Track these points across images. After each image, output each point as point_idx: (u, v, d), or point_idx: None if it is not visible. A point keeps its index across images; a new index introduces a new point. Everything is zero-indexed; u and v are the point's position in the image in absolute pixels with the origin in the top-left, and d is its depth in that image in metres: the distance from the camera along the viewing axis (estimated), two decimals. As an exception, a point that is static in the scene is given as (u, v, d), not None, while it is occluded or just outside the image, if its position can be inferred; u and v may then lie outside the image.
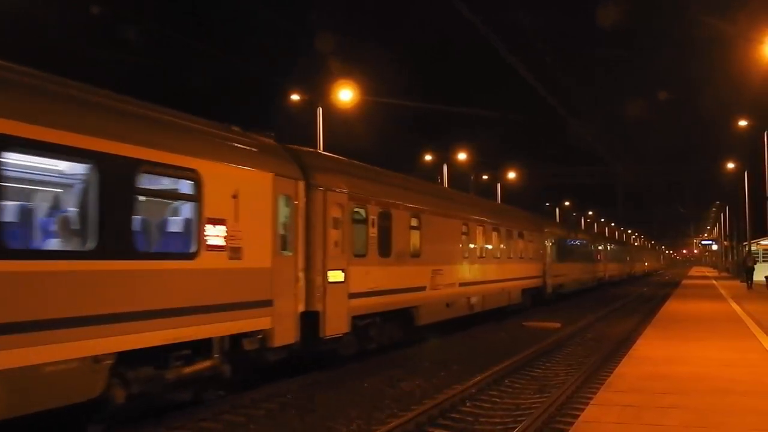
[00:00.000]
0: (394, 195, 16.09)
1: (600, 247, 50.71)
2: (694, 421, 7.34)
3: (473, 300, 20.50)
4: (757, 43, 25.34)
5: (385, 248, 14.99)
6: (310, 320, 12.03)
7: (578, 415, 8.30)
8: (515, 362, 14.54)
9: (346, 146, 23.94)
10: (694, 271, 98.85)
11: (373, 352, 15.03)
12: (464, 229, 20.35)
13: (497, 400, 11.43)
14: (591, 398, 9.49)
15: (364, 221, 14.26)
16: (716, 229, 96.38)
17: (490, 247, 22.76)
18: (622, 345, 16.80)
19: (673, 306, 24.22)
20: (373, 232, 14.50)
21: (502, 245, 24.04)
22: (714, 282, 47.49)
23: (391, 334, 15.78)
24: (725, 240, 77.19)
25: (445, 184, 40.60)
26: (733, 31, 28.45)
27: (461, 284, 19.67)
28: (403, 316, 16.05)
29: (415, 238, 16.72)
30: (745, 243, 49.97)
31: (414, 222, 16.72)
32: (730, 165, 52.58)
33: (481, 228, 22.00)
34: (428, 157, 42.34)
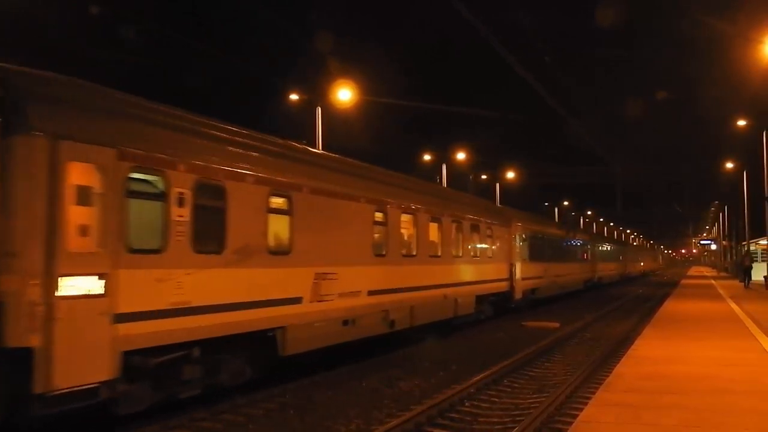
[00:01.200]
0: (232, 158, 10.77)
1: (588, 246, 45.93)
2: (693, 421, 7.35)
3: (393, 314, 15.49)
4: (756, 42, 25.36)
5: (209, 240, 10.08)
6: (18, 364, 7.51)
7: (577, 415, 8.32)
8: (514, 362, 14.54)
9: (345, 146, 23.97)
10: (693, 270, 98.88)
11: (369, 353, 14.96)
12: (378, 216, 15.28)
13: (496, 399, 11.44)
14: (590, 398, 9.50)
15: (162, 196, 9.32)
16: (715, 229, 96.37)
17: (423, 242, 17.52)
18: (621, 345, 16.82)
19: (672, 306, 24.23)
20: (181, 214, 9.49)
21: (444, 240, 18.74)
22: (713, 282, 47.51)
23: (235, 371, 10.99)
24: (724, 240, 77.21)
25: (444, 184, 40.56)
26: (732, 30, 28.46)
27: (372, 293, 14.56)
28: (257, 343, 11.21)
29: (279, 225, 11.79)
30: (744, 243, 49.99)
31: (278, 202, 11.79)
32: (729, 165, 52.61)
33: (409, 217, 16.90)
34: (427, 157, 42.31)
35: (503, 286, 24.41)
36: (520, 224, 27.24)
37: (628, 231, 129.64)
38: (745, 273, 39.26)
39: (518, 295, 25.80)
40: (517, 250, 26.22)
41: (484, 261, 22.35)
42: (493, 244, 23.34)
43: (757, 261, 45.55)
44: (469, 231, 20.89)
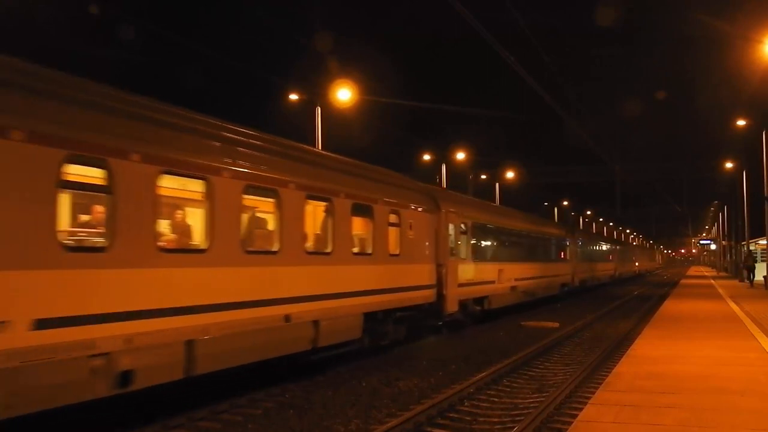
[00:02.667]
0: None
1: (567, 243, 37.67)
2: (692, 421, 7.35)
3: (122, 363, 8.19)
4: (756, 42, 25.37)
5: None
6: None
7: (577, 415, 8.32)
8: (513, 362, 14.54)
9: (343, 146, 23.95)
10: (693, 270, 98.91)
11: (370, 351, 14.96)
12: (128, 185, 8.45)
13: (495, 399, 11.44)
14: (589, 398, 9.49)
15: None
16: (715, 229, 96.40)
17: (228, 228, 10.08)
18: (621, 344, 16.84)
19: (671, 305, 24.23)
20: None
21: (285, 227, 11.39)
22: (712, 281, 47.53)
23: None
24: (723, 240, 77.24)
25: (444, 184, 40.53)
26: (732, 30, 28.47)
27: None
28: None
29: None
30: (743, 242, 50.02)
31: None
32: (729, 164, 52.62)
33: (204, 187, 9.70)
34: (426, 157, 42.31)
35: (426, 295, 16.95)
36: (455, 211, 19.68)
37: (628, 231, 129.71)
38: (749, 272, 39.80)
39: (452, 308, 18.51)
40: (453, 247, 19.13)
41: (383, 261, 14.71)
42: (403, 236, 15.73)
43: (756, 261, 45.75)
44: (348, 215, 13.41)
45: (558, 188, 73.22)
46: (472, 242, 21.29)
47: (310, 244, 12.45)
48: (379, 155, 34.28)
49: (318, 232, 13.05)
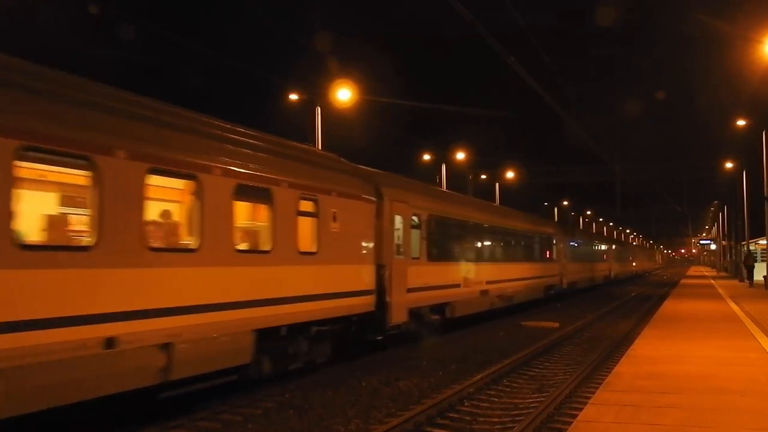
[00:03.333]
0: None
1: (554, 241, 33.91)
2: (691, 420, 7.35)
3: None
4: (756, 42, 25.36)
5: None
6: None
7: (576, 415, 8.32)
8: (513, 362, 14.54)
9: (343, 146, 23.95)
10: (693, 270, 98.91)
11: (369, 353, 14.96)
12: None
13: (495, 399, 11.44)
14: (589, 398, 9.49)
15: None
16: (714, 229, 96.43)
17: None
18: (621, 344, 16.84)
19: (671, 305, 24.23)
20: None
21: (110, 217, 8.18)
22: (712, 281, 47.55)
23: None
24: (723, 239, 77.25)
25: (444, 185, 40.53)
26: (731, 30, 28.47)
27: None
28: None
29: None
30: (743, 242, 50.05)
31: None
32: (729, 164, 52.63)
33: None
34: (426, 157, 42.30)
35: (360, 304, 14.00)
36: (404, 200, 16.32)
37: (628, 231, 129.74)
38: (749, 271, 40.17)
39: (398, 318, 15.43)
40: (399, 244, 16.06)
41: (288, 260, 11.54)
42: (323, 229, 12.58)
43: (756, 261, 45.87)
44: (228, 199, 10.19)
45: (558, 188, 73.27)
46: (428, 239, 17.62)
47: (157, 238, 9.29)
48: (379, 155, 34.37)
49: (173, 221, 10.07)
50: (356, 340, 14.80)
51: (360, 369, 13.70)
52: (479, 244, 22.59)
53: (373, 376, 13.00)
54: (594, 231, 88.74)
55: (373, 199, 14.80)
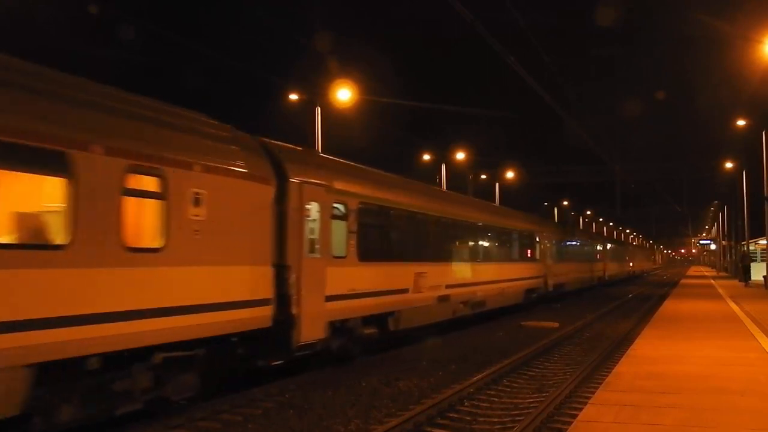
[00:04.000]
0: None
1: (536, 238, 30.22)
2: (691, 420, 7.36)
3: None
4: (756, 42, 25.37)
5: None
6: None
7: (577, 415, 8.33)
8: (513, 362, 14.54)
9: (343, 146, 23.97)
10: (693, 270, 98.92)
11: (369, 352, 14.95)
12: None
13: (495, 399, 11.44)
14: (589, 398, 9.49)
15: None
16: (714, 229, 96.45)
17: None
18: (621, 344, 16.84)
19: (671, 305, 24.23)
20: None
21: None
22: (712, 281, 47.56)
23: None
24: (723, 239, 77.26)
25: (444, 185, 40.52)
26: (732, 30, 28.48)
27: None
28: None
29: None
30: (743, 242, 50.10)
31: None
32: (729, 164, 52.66)
33: None
34: (426, 157, 42.31)
35: (250, 318, 10.60)
36: (321, 182, 12.83)
37: (628, 231, 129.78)
38: (744, 272, 40.60)
39: (310, 334, 12.02)
40: (315, 239, 12.53)
41: (101, 260, 8.18)
42: (175, 216, 9.33)
43: (756, 261, 46.08)
44: None
45: (558, 188, 73.27)
46: (361, 233, 14.14)
47: None
48: (379, 155, 34.36)
49: None
50: (248, 367, 11.53)
51: (360, 369, 13.70)
52: (437, 241, 18.70)
53: (373, 376, 13.00)
54: (592, 230, 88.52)
55: (270, 178, 11.20)
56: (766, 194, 37.66)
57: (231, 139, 10.74)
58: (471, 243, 22.06)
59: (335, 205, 13.34)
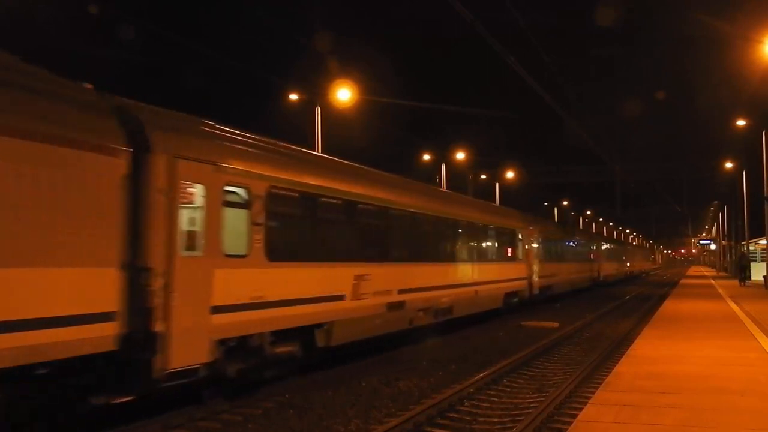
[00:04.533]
0: None
1: (521, 236, 27.13)
2: (691, 420, 7.36)
3: None
4: (756, 42, 25.36)
5: None
6: None
7: (576, 415, 8.33)
8: (513, 362, 14.53)
9: (343, 146, 23.95)
10: (693, 270, 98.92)
11: (368, 353, 14.92)
12: None
13: (495, 399, 11.44)
14: (589, 398, 9.49)
15: None
16: (714, 229, 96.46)
17: None
18: (621, 344, 16.84)
19: (671, 305, 24.23)
20: None
21: None
22: (712, 281, 47.56)
23: None
24: (723, 239, 77.27)
25: (444, 185, 40.52)
26: (732, 30, 28.48)
27: None
28: None
29: None
30: (743, 242, 50.13)
31: None
32: (728, 164, 52.67)
33: None
34: (426, 157, 42.32)
35: (79, 339, 7.84)
36: (208, 160, 9.95)
37: (628, 230, 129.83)
38: (741, 271, 40.89)
39: (185, 358, 9.20)
40: (198, 231, 9.77)
41: None
42: None
43: (756, 261, 46.18)
44: None
45: (558, 188, 73.26)
46: (270, 225, 11.12)
47: None
48: (379, 155, 34.35)
49: None
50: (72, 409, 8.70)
51: (360, 369, 13.70)
52: (387, 237, 15.73)
53: (373, 376, 13.00)
54: (592, 230, 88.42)
55: (119, 148, 8.53)
56: (766, 194, 37.67)
57: (54, 95, 8.04)
58: (435, 240, 18.85)
59: (231, 188, 10.37)
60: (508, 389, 12.30)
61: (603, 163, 58.62)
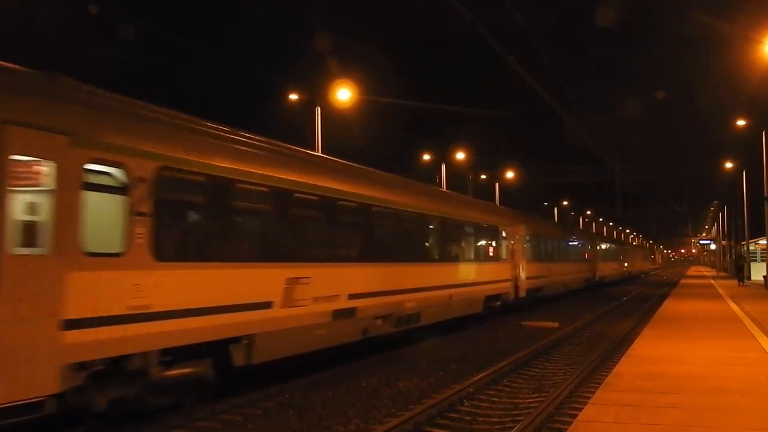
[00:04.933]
0: None
1: (504, 234, 24.78)
2: (691, 420, 7.35)
3: None
4: (756, 42, 25.36)
5: None
6: None
7: (577, 415, 8.32)
8: (513, 361, 14.53)
9: (343, 146, 23.95)
10: (693, 270, 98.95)
11: (369, 353, 14.91)
12: None
13: (495, 399, 11.43)
14: (589, 398, 9.49)
15: None
16: (714, 229, 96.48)
17: None
18: (621, 344, 16.83)
19: (671, 305, 24.23)
20: None
21: None
22: (712, 281, 47.57)
23: None
24: (723, 239, 77.29)
25: (444, 185, 40.53)
26: (731, 30, 28.48)
27: None
28: None
29: None
30: (743, 242, 50.15)
31: None
32: (728, 164, 52.68)
33: None
34: (426, 157, 42.32)
35: None
36: (53, 125, 7.60)
37: (628, 230, 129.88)
38: (739, 271, 41.23)
39: (20, 392, 7.10)
40: (37, 222, 7.54)
41: None
42: None
43: (756, 261, 46.30)
44: None
45: (558, 188, 73.25)
46: (164, 216, 9.10)
47: None
48: (379, 155, 34.36)
49: None
50: None
51: (360, 369, 13.70)
52: (333, 234, 13.56)
53: (373, 376, 13.00)
54: (588, 229, 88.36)
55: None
56: (766, 194, 37.68)
57: None
58: (397, 237, 16.57)
59: (99, 167, 8.22)
60: (508, 389, 12.30)
61: (603, 163, 58.61)
